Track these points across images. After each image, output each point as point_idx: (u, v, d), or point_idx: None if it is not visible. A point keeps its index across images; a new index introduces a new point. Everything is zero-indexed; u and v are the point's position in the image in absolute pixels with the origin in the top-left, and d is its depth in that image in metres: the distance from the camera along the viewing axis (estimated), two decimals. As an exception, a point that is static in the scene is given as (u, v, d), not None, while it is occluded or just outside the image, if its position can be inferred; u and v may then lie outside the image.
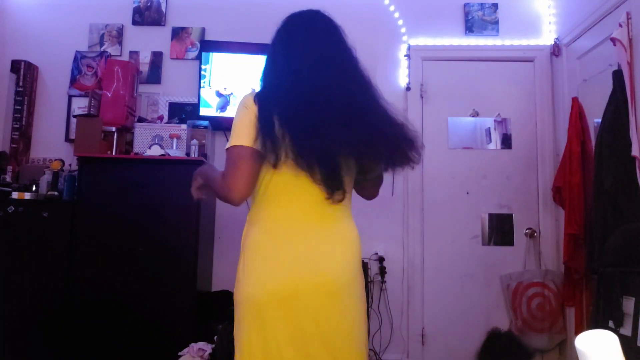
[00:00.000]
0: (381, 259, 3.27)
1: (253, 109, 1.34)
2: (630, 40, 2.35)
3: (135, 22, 3.53)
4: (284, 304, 1.29)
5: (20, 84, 3.36)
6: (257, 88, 1.44)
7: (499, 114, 3.41)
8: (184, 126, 3.12)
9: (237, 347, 1.34)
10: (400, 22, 3.50)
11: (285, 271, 1.31)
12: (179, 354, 2.58)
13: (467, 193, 3.36)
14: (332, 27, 1.47)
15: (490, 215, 3.35)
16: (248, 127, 1.33)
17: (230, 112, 3.22)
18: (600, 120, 2.50)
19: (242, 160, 1.32)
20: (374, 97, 1.41)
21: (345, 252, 1.38)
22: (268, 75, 1.45)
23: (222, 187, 1.34)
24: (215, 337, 2.63)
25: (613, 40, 2.37)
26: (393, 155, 1.38)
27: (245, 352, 1.31)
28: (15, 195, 2.88)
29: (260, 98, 1.37)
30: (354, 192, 1.52)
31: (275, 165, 1.32)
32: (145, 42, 3.50)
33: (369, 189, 1.54)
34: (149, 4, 3.53)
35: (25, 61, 3.38)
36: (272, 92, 1.38)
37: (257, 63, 3.01)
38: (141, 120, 3.25)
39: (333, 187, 1.35)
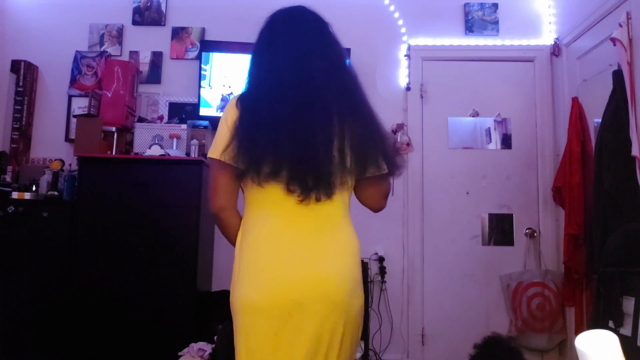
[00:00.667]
0: (381, 259, 3.27)
1: (234, 115, 1.33)
2: (630, 40, 2.34)
3: (135, 22, 3.53)
4: (283, 311, 1.26)
5: (20, 84, 3.36)
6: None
7: (499, 114, 3.41)
8: (184, 126, 3.12)
9: (236, 352, 1.31)
10: (400, 22, 3.50)
11: (285, 277, 1.27)
12: (179, 354, 2.58)
13: (467, 193, 3.36)
14: (320, 23, 1.44)
15: (490, 215, 3.35)
16: (226, 135, 1.32)
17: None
18: (600, 120, 2.50)
19: (217, 174, 1.33)
20: (362, 99, 1.40)
21: (345, 259, 1.33)
22: (253, 75, 1.42)
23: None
24: (215, 337, 2.63)
25: (613, 40, 2.37)
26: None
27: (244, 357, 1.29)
28: (15, 195, 2.88)
29: (242, 101, 1.35)
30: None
31: (243, 174, 1.30)
32: (145, 42, 3.50)
33: (370, 194, 1.45)
34: (149, 4, 3.53)
35: (25, 61, 3.38)
36: (256, 93, 1.36)
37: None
38: (141, 120, 3.25)
39: (308, 188, 1.29)
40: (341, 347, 1.32)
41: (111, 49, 3.49)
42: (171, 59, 3.49)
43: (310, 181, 1.28)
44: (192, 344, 2.61)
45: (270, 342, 1.27)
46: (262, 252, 1.30)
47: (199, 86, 3.31)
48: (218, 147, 1.33)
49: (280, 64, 1.35)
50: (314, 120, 1.30)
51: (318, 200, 1.30)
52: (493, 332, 2.64)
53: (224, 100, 3.29)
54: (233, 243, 1.42)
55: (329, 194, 1.31)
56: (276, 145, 1.26)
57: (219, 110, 3.27)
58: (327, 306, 1.28)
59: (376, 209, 1.50)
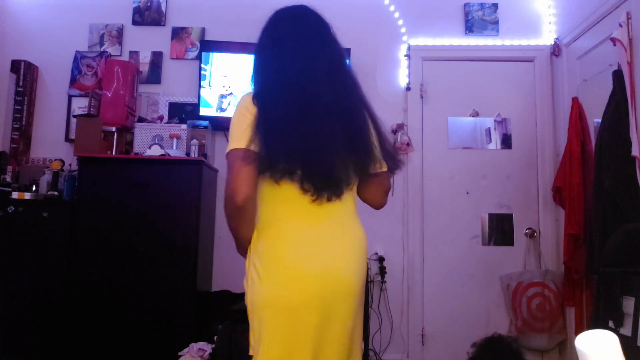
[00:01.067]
0: (381, 259, 3.27)
1: (252, 111, 1.35)
2: (630, 40, 2.34)
3: (135, 22, 3.53)
4: (309, 306, 1.30)
5: (20, 84, 3.36)
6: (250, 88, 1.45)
7: (499, 114, 3.41)
8: (184, 126, 3.12)
9: (257, 351, 1.32)
10: (400, 22, 3.50)
11: (305, 274, 1.31)
12: (179, 354, 2.59)
13: (467, 193, 3.36)
14: (321, 24, 1.47)
15: (490, 215, 3.35)
16: (246, 129, 1.33)
17: (230, 112, 3.22)
18: (600, 120, 2.50)
19: (240, 162, 1.33)
20: (361, 100, 1.47)
21: (356, 255, 1.41)
22: (259, 75, 1.44)
23: (226, 192, 1.35)
24: (215, 337, 2.63)
25: (613, 40, 2.37)
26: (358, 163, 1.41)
27: (267, 354, 1.30)
28: (15, 195, 2.88)
29: (258, 99, 1.37)
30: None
31: (263, 170, 1.33)
32: (145, 42, 3.50)
33: (372, 191, 1.52)
34: (149, 4, 3.53)
35: (25, 61, 3.38)
36: (265, 94, 1.38)
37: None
38: (141, 120, 3.25)
39: (319, 188, 1.33)
40: (353, 343, 1.41)
41: (111, 49, 3.49)
42: (171, 59, 3.49)
43: (320, 182, 1.33)
44: (192, 344, 2.61)
45: (290, 339, 1.29)
46: (283, 250, 1.34)
47: (199, 86, 3.31)
48: (242, 138, 1.33)
49: (284, 65, 1.39)
50: (318, 122, 1.33)
51: (329, 200, 1.36)
52: (495, 333, 2.63)
53: (222, 97, 3.29)
54: (246, 238, 1.40)
55: (339, 194, 1.37)
56: (288, 146, 1.31)
57: (218, 110, 3.27)
58: (345, 302, 1.35)
59: (377, 206, 1.57)
